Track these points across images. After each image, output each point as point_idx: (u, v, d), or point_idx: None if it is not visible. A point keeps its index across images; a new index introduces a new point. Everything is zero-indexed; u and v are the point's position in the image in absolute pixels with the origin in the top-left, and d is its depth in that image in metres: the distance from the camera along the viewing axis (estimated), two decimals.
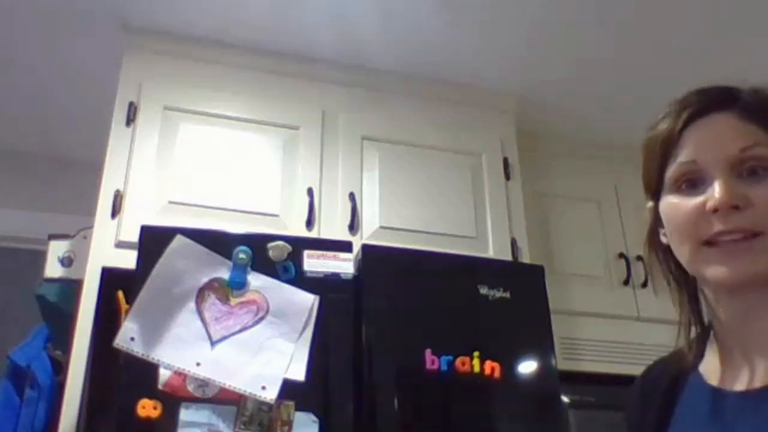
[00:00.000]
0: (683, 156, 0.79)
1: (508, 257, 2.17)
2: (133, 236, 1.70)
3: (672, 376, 0.88)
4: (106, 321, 1.67)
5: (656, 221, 0.86)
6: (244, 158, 2.09)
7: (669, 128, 0.82)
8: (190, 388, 1.48)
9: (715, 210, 0.75)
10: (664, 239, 0.85)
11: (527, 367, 1.80)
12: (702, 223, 0.76)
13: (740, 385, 0.78)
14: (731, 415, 0.77)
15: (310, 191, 2.07)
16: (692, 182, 0.79)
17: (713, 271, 0.76)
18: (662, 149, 0.82)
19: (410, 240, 2.05)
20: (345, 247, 1.73)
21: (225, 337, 1.54)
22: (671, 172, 0.81)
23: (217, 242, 1.63)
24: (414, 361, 1.67)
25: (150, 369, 1.48)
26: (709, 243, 0.76)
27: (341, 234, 2.02)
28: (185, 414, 1.46)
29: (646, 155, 0.85)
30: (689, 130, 0.80)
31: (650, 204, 0.87)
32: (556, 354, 1.85)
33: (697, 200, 0.77)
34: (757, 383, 0.76)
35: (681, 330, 0.86)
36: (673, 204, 0.80)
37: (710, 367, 0.84)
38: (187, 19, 2.14)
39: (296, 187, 2.08)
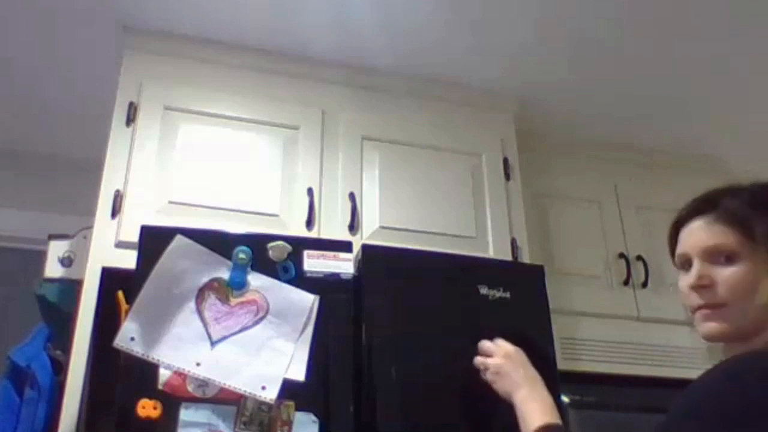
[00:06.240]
0: (679, 248, 1.13)
1: (508, 257, 2.17)
2: (133, 236, 1.70)
3: None
4: (106, 321, 1.66)
5: None
6: (244, 158, 2.09)
7: (672, 228, 1.16)
8: (190, 388, 1.48)
9: (692, 287, 1.07)
10: None
11: None
12: (691, 296, 1.08)
13: None
14: None
15: (310, 191, 2.07)
16: (686, 265, 1.10)
17: (700, 330, 1.07)
18: (670, 241, 1.16)
19: (410, 240, 2.05)
20: (345, 247, 1.73)
21: (225, 337, 1.54)
22: (676, 258, 1.14)
23: (217, 242, 1.63)
24: (414, 361, 1.67)
25: (150, 369, 1.48)
26: (696, 310, 1.08)
27: (341, 234, 2.02)
28: (185, 414, 1.46)
29: (668, 239, 1.18)
30: (682, 230, 1.13)
31: None
32: (556, 354, 1.85)
33: (686, 279, 1.10)
34: None
35: None
36: (679, 280, 1.13)
37: None
38: (187, 19, 2.14)
39: (296, 187, 2.08)
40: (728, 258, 1.05)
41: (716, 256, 1.06)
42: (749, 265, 1.04)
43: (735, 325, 1.03)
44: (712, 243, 1.06)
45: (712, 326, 1.05)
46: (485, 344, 1.51)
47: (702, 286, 1.06)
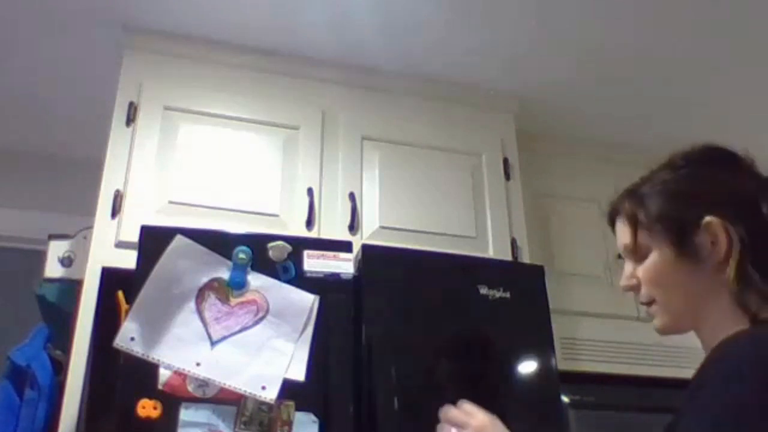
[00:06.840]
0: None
1: (508, 257, 2.17)
2: (133, 236, 1.70)
3: None
4: (106, 321, 1.67)
5: None
6: (244, 158, 2.09)
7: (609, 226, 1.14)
8: (190, 388, 1.48)
9: (623, 289, 1.10)
10: None
11: (527, 367, 1.80)
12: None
13: None
14: None
15: (310, 191, 2.07)
16: None
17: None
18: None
19: (410, 240, 2.05)
20: (345, 247, 1.73)
21: (225, 337, 1.54)
22: None
23: (217, 242, 1.63)
24: (414, 361, 1.67)
25: (150, 369, 1.48)
26: None
27: (341, 234, 2.02)
28: (185, 414, 1.46)
29: None
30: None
31: None
32: (556, 354, 1.85)
33: None
34: None
35: None
36: None
37: None
38: (188, 20, 2.14)
39: (296, 187, 2.08)
40: (639, 255, 1.03)
41: (631, 254, 1.05)
42: (656, 254, 1.01)
43: (672, 317, 1.02)
44: (623, 243, 1.06)
45: (654, 324, 1.04)
46: (454, 415, 1.19)
47: (630, 287, 1.07)
